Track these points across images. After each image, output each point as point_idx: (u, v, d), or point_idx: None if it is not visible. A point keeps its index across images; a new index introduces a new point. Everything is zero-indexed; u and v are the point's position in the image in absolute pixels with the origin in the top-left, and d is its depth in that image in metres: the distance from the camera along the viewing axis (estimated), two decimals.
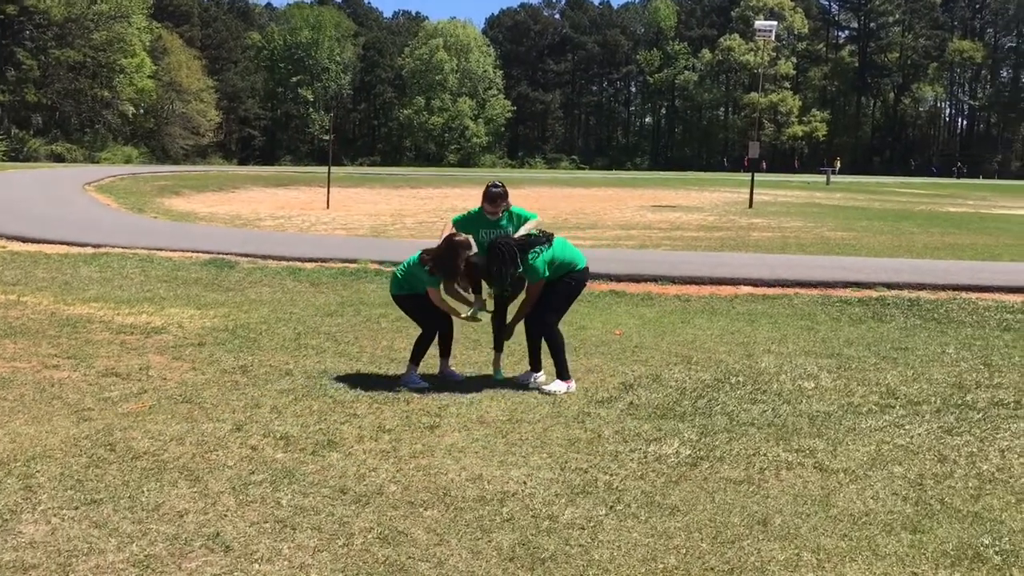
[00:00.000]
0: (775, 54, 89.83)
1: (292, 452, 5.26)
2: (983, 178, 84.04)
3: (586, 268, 7.04)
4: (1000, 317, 10.39)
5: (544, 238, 6.83)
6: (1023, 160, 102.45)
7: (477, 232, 7.04)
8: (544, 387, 6.82)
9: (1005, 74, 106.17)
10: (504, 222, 7.09)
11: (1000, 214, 32.42)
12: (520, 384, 6.92)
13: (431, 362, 7.21)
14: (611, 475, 5.00)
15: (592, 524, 4.33)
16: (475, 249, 6.84)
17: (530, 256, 6.69)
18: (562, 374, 6.88)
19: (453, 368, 7.25)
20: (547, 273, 6.76)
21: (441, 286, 6.96)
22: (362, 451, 5.32)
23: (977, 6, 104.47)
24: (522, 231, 6.96)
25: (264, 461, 5.09)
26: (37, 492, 4.55)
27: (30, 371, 6.95)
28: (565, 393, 6.71)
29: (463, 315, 7.09)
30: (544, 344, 6.96)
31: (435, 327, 7.01)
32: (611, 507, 4.55)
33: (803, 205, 34.69)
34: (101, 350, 7.74)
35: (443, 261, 6.80)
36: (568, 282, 6.89)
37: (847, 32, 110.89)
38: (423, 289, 6.90)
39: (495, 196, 7.07)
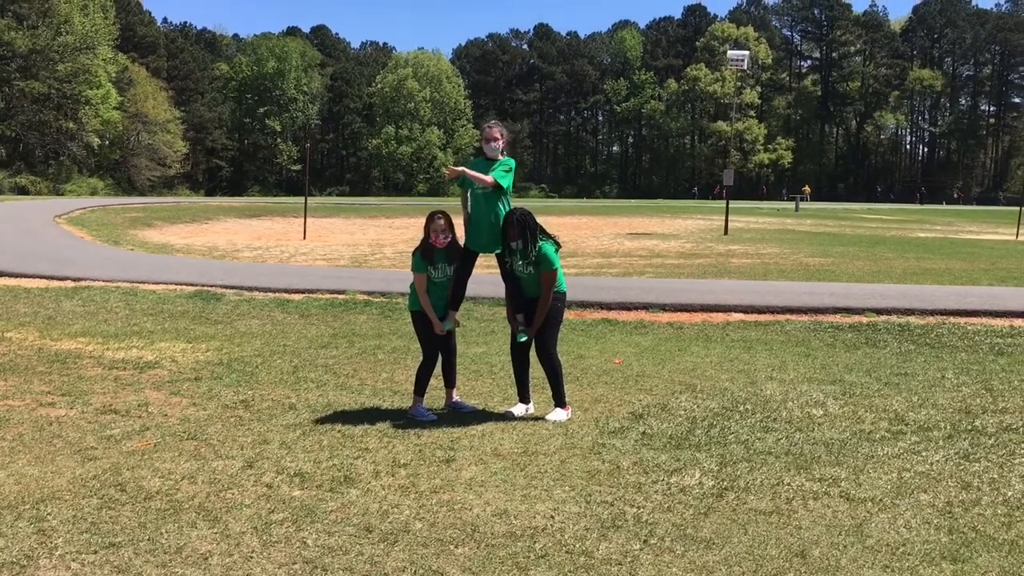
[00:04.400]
0: (740, 83, 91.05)
1: (309, 489, 5.13)
2: (945, 204, 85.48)
3: (565, 293, 6.97)
4: (991, 341, 10.47)
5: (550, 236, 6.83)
6: (983, 186, 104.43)
7: (471, 183, 6.86)
8: (547, 417, 6.74)
9: (964, 102, 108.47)
10: (497, 169, 6.82)
11: (968, 239, 32.90)
12: (511, 417, 6.78)
13: (438, 394, 7.12)
14: (638, 508, 4.92)
15: (629, 559, 4.24)
16: (450, 226, 6.76)
17: (542, 243, 6.66)
18: (561, 402, 6.83)
19: (459, 399, 7.14)
20: (559, 265, 6.73)
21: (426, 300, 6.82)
22: (380, 487, 5.20)
23: (936, 36, 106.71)
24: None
25: (282, 499, 4.96)
26: (52, 536, 4.38)
27: (25, 409, 6.76)
28: (567, 420, 6.68)
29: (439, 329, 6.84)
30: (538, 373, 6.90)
31: (435, 354, 6.91)
32: (645, 541, 4.46)
33: (777, 232, 35.00)
34: (95, 386, 7.55)
35: (423, 240, 6.78)
36: (555, 304, 6.79)
37: (810, 62, 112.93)
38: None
39: (492, 125, 7.00)
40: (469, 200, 6.93)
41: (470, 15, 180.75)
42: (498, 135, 6.96)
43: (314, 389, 7.61)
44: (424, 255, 6.75)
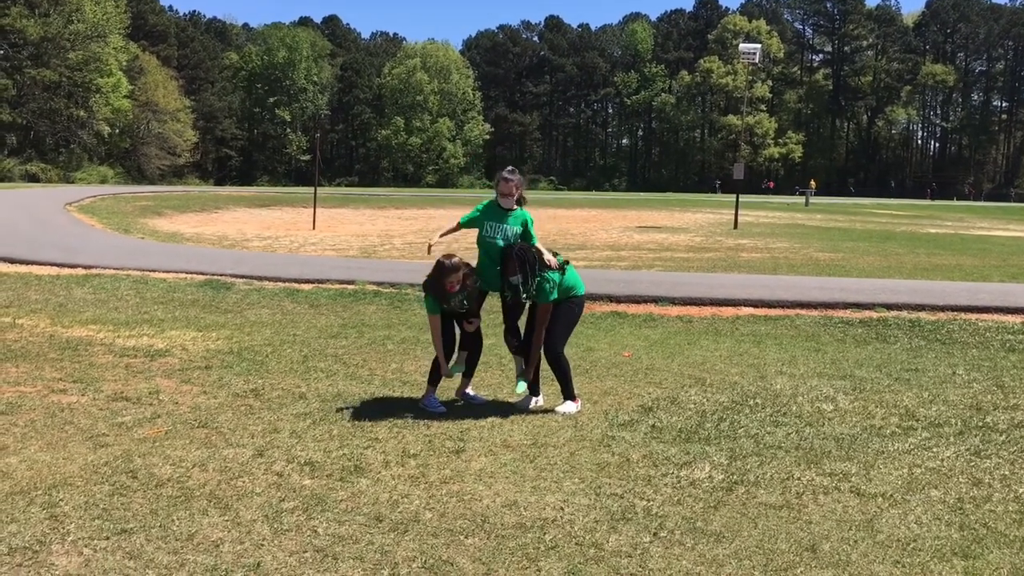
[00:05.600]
0: (752, 77, 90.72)
1: (319, 478, 5.14)
2: (956, 199, 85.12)
3: (584, 295, 6.95)
4: (1003, 338, 10.43)
5: (560, 265, 6.71)
6: (995, 182, 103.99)
7: (482, 226, 6.81)
8: (556, 408, 6.73)
9: (976, 97, 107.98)
10: (512, 221, 6.77)
11: (979, 235, 32.76)
12: (520, 409, 6.80)
13: (449, 384, 7.13)
14: (648, 500, 4.92)
15: (639, 552, 4.25)
16: (466, 271, 6.68)
17: (545, 277, 6.59)
18: (570, 396, 6.82)
19: (471, 391, 7.15)
20: (555, 295, 6.67)
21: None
22: (390, 477, 5.21)
23: (949, 31, 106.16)
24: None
25: (292, 488, 4.97)
26: (64, 522, 4.40)
27: (37, 396, 6.79)
28: (577, 412, 6.70)
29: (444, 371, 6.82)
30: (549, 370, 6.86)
31: (451, 349, 6.90)
32: (655, 534, 4.46)
33: (786, 226, 34.90)
34: (107, 373, 7.58)
35: (433, 282, 6.66)
36: (571, 307, 6.78)
37: (821, 56, 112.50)
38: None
39: (508, 179, 6.79)
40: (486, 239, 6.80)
41: (481, 6, 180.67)
42: (514, 189, 6.81)
43: (324, 379, 7.62)
44: (438, 298, 6.68)
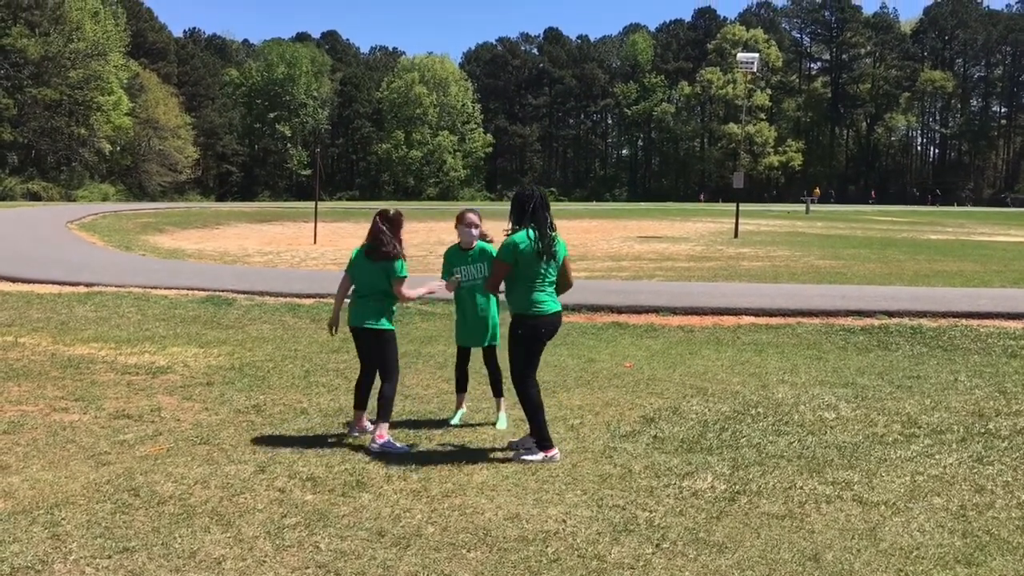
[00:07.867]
0: (752, 86, 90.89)
1: (321, 494, 5.14)
2: (957, 205, 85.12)
3: (548, 315, 5.87)
4: (1004, 344, 10.42)
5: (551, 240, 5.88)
6: (995, 188, 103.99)
7: (450, 270, 6.70)
8: (522, 456, 5.83)
9: (975, 103, 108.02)
10: (476, 253, 6.61)
11: (980, 241, 32.74)
12: (515, 448, 6.03)
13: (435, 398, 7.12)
14: (650, 511, 4.91)
15: (642, 563, 4.24)
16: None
17: (515, 234, 5.85)
18: (543, 442, 5.83)
19: (368, 423, 6.51)
20: (507, 258, 5.80)
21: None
22: (392, 491, 5.21)
23: (947, 37, 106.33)
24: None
25: (295, 504, 4.97)
26: (66, 541, 4.40)
27: (39, 414, 6.79)
28: (543, 462, 5.74)
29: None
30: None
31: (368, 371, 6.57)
32: (657, 545, 4.45)
33: (787, 234, 34.91)
34: (108, 391, 7.58)
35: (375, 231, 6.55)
36: (515, 330, 5.86)
37: (819, 64, 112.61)
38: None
39: (469, 221, 6.61)
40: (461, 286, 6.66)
41: (480, 20, 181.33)
42: (473, 229, 6.63)
43: (325, 394, 7.63)
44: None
